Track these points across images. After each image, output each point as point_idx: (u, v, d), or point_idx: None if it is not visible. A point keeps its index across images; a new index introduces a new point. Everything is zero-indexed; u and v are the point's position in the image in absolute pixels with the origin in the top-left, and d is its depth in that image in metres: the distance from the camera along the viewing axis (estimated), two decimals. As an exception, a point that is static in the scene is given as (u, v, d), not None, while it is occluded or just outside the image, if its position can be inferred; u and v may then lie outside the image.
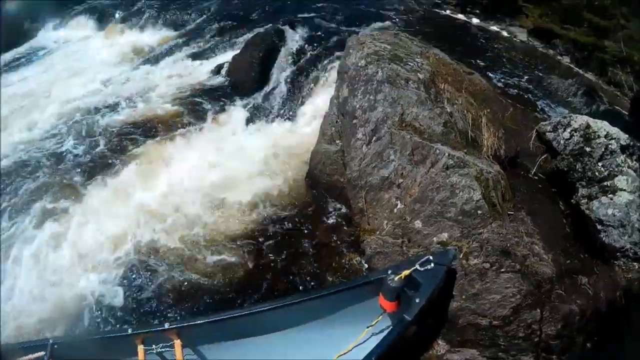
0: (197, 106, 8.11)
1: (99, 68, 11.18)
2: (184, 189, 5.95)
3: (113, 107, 8.57)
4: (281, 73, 8.40)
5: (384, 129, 4.37)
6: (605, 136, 4.40)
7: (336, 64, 6.80)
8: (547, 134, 4.73)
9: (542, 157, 4.79)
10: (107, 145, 7.26)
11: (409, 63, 5.05)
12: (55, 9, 27.18)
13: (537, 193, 4.51)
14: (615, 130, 4.48)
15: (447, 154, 3.90)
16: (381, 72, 4.74)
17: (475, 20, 18.75)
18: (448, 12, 19.46)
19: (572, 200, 4.34)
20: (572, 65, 14.78)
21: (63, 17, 24.51)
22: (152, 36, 13.26)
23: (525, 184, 4.55)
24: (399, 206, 4.16)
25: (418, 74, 4.82)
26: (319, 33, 9.59)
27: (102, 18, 19.08)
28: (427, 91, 4.64)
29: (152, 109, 8.23)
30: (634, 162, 4.37)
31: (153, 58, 11.08)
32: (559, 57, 15.42)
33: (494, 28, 17.91)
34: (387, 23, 11.32)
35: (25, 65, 16.34)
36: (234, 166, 6.25)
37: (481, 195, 3.76)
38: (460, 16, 19.01)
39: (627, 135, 4.47)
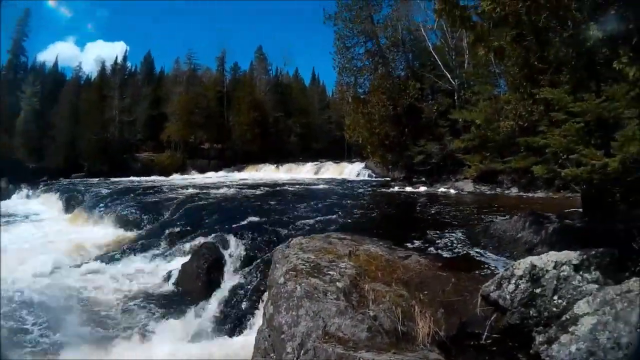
0: (145, 312, 7.93)
1: (56, 255, 11.02)
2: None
3: (58, 300, 8.27)
4: (227, 283, 8.44)
5: (309, 343, 4.17)
6: (555, 267, 4.27)
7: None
8: (491, 294, 4.56)
9: (492, 318, 4.48)
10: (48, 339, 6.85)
11: (330, 272, 5.14)
12: (32, 178, 29.02)
13: (492, 358, 4.14)
14: (563, 255, 4.35)
15: (371, 360, 3.60)
16: (300, 288, 4.75)
17: (422, 189, 19.89)
18: (397, 188, 20.75)
19: (531, 352, 3.96)
20: (520, 193, 15.37)
21: (36, 189, 26.59)
22: (112, 232, 13.88)
23: (477, 354, 4.21)
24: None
25: (337, 283, 4.89)
26: (265, 240, 9.87)
27: (70, 201, 20.33)
28: (347, 299, 4.65)
29: (99, 310, 8.02)
30: (593, 273, 4.16)
31: (108, 255, 11.20)
32: (506, 192, 16.07)
33: (442, 190, 19.00)
34: (331, 220, 11.69)
35: None
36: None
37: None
38: (409, 189, 20.27)
39: (577, 252, 4.33)
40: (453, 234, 8.98)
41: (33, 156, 36.79)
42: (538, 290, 4.19)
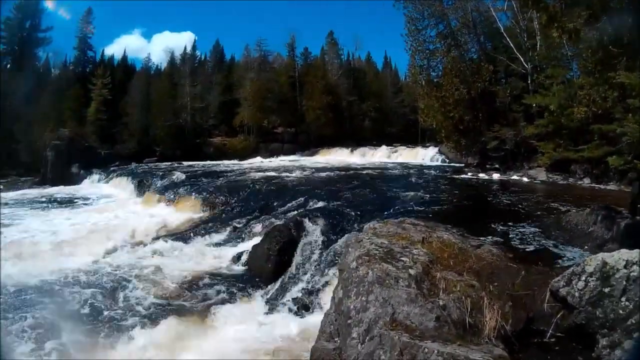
0: (214, 291, 8.24)
1: (131, 235, 11.93)
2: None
3: (133, 279, 8.76)
4: (297, 266, 8.59)
5: (376, 329, 4.22)
6: (625, 266, 4.08)
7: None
8: (560, 290, 4.45)
9: (558, 316, 4.40)
10: (124, 315, 7.35)
11: (403, 258, 5.11)
12: (104, 164, 30.47)
13: (554, 358, 4.09)
14: (635, 254, 4.16)
15: (436, 352, 3.67)
16: (371, 273, 4.75)
17: (495, 176, 19.47)
18: (470, 174, 20.41)
19: (594, 355, 3.89)
20: (593, 185, 14.77)
21: (107, 174, 27.88)
22: (183, 213, 14.41)
23: (540, 353, 4.17)
24: (391, 408, 3.87)
25: (410, 270, 4.85)
26: (338, 224, 9.92)
27: (143, 184, 21.26)
28: (418, 287, 4.62)
29: (170, 289, 8.39)
30: None
31: (180, 236, 11.66)
32: (579, 183, 15.49)
33: (514, 177, 18.56)
34: (404, 205, 11.63)
35: (69, 207, 18.41)
36: (240, 356, 6.13)
37: (474, 392, 3.42)
38: (482, 175, 19.90)
39: None
40: (525, 224, 8.82)
41: (105, 143, 38.31)
42: (607, 290, 4.04)
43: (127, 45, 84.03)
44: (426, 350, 3.73)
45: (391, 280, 4.66)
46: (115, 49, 68.01)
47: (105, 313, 7.37)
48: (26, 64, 41.89)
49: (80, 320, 7.07)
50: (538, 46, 20.66)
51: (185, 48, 52.97)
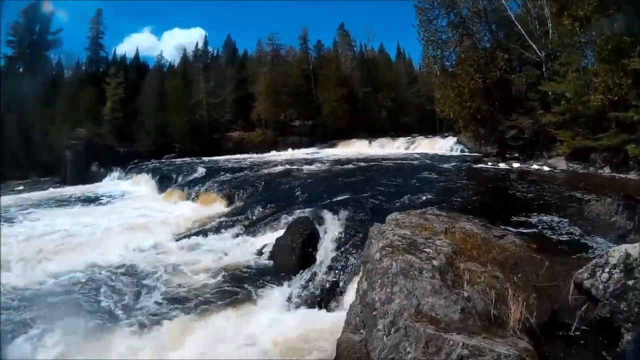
0: (239, 285, 8.28)
1: (154, 230, 12.05)
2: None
3: (158, 274, 8.86)
4: (321, 259, 8.62)
5: (401, 321, 4.26)
6: None
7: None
8: (584, 282, 4.42)
9: (583, 308, 4.37)
10: (145, 309, 7.46)
11: (426, 249, 5.12)
12: (121, 162, 31.03)
13: (579, 352, 4.07)
14: None
15: (461, 344, 3.68)
16: (395, 265, 4.76)
17: (515, 165, 19.29)
18: (489, 164, 20.25)
19: (618, 350, 3.86)
20: (613, 174, 14.57)
21: (128, 171, 28.48)
22: (206, 208, 14.52)
23: (565, 346, 4.13)
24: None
25: (433, 261, 4.85)
26: (360, 215, 9.94)
27: (164, 180, 21.56)
28: (442, 278, 4.62)
29: (195, 283, 8.47)
30: None
31: (203, 230, 11.77)
32: (599, 172, 15.27)
33: (535, 167, 18.34)
34: (426, 196, 11.62)
35: (91, 205, 18.73)
36: (266, 348, 6.16)
37: (500, 385, 3.43)
38: (502, 165, 19.72)
39: None
40: (547, 214, 8.74)
41: (123, 142, 38.82)
42: (631, 283, 4.00)
43: (139, 43, 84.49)
44: (451, 342, 3.74)
45: (415, 271, 4.66)
46: (126, 48, 68.97)
47: (132, 308, 7.53)
48: (38, 67, 42.58)
49: (110, 314, 7.28)
50: (550, 34, 20.35)
51: (196, 44, 53.26)
